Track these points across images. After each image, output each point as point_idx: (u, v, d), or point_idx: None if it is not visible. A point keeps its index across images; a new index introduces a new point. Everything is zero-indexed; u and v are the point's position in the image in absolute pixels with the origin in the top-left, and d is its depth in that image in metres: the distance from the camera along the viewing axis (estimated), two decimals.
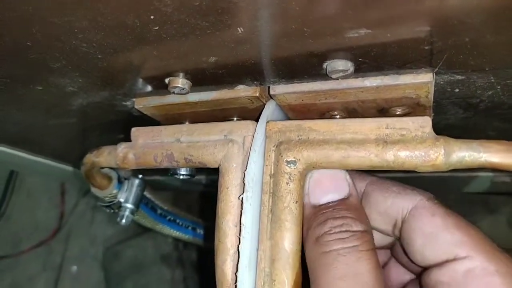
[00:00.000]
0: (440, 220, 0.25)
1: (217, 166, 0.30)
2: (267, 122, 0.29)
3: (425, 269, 0.26)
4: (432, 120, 0.31)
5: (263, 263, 0.26)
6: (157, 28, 0.22)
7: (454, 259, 0.24)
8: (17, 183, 1.06)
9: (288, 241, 0.26)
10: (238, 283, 0.26)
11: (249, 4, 0.20)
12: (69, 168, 0.71)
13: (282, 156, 0.27)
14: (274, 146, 0.28)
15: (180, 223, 0.48)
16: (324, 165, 0.27)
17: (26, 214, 1.04)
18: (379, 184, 0.28)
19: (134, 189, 0.40)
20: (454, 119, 0.33)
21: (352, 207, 0.26)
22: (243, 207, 0.27)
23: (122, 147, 0.33)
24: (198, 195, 0.83)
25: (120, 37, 0.23)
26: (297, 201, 0.27)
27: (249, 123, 0.30)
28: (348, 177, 0.27)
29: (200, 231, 0.49)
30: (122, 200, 0.40)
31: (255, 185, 0.28)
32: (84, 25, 0.22)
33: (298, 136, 0.28)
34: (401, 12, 0.20)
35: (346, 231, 0.24)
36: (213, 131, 0.31)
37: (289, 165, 0.27)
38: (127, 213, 0.40)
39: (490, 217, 0.74)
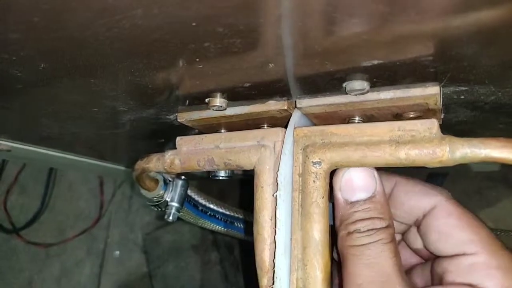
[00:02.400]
0: (455, 220, 0.29)
1: (252, 168, 0.34)
2: (294, 128, 0.33)
3: (437, 257, 0.30)
4: (444, 118, 0.35)
5: (296, 251, 0.31)
6: (201, 66, 0.26)
7: (463, 255, 0.28)
8: (58, 177, 1.14)
9: (317, 231, 0.30)
10: (276, 268, 0.31)
11: (276, 49, 0.24)
12: (107, 164, 0.77)
13: (308, 158, 0.31)
14: (301, 149, 0.32)
15: (219, 217, 0.53)
16: (346, 165, 0.31)
17: (69, 205, 1.12)
18: (404, 185, 0.32)
19: (178, 189, 0.45)
20: (463, 116, 0.37)
21: (378, 205, 0.29)
22: (277, 203, 0.31)
23: (169, 154, 0.37)
24: (227, 182, 0.88)
25: (169, 73, 0.28)
26: (323, 197, 0.31)
27: (279, 130, 0.34)
28: (375, 174, 0.31)
29: (239, 224, 0.54)
30: (168, 199, 0.45)
31: (286, 184, 0.32)
32: (140, 67, 0.27)
33: (321, 140, 0.32)
34: (407, 48, 0.23)
35: (372, 229, 0.28)
36: (247, 138, 0.35)
37: (315, 166, 0.31)
38: (173, 211, 0.45)
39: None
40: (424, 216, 0.31)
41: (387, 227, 0.29)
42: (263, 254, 0.32)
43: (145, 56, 0.25)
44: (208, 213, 0.51)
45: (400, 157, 0.28)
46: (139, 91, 0.32)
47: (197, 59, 0.26)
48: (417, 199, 0.31)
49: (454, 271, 0.28)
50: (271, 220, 0.32)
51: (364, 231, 0.28)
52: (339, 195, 0.31)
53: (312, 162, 0.31)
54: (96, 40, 0.23)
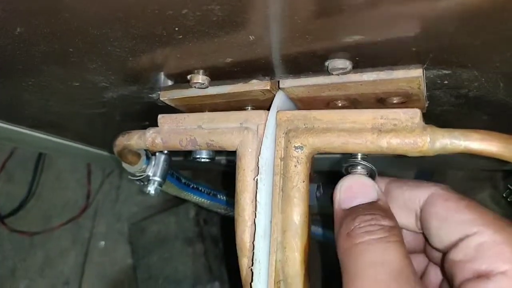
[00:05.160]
0: (453, 204, 0.27)
1: (234, 150, 0.34)
2: (277, 111, 0.33)
3: (445, 254, 0.27)
4: (428, 108, 0.35)
5: (275, 233, 0.31)
6: (180, 37, 0.26)
7: (466, 236, 0.25)
8: (46, 164, 1.13)
9: (297, 214, 0.30)
10: (255, 250, 0.31)
11: (258, 18, 0.23)
12: (95, 150, 0.76)
13: (290, 142, 0.31)
14: (283, 133, 0.32)
15: (202, 190, 0.53)
16: (327, 150, 0.30)
17: (56, 193, 1.12)
18: (397, 181, 0.31)
19: (161, 164, 0.45)
20: (448, 105, 0.37)
21: (381, 208, 0.28)
22: (258, 187, 0.31)
23: (150, 132, 0.37)
24: (216, 173, 0.87)
25: (149, 44, 0.27)
26: (304, 181, 0.31)
27: (262, 113, 0.33)
28: (377, 187, 0.29)
29: (222, 197, 0.54)
30: (150, 174, 0.44)
31: (267, 167, 0.32)
32: (118, 35, 0.26)
33: (304, 125, 0.31)
34: (387, 23, 0.23)
35: (375, 224, 0.26)
36: (230, 119, 0.34)
37: (296, 150, 0.31)
38: (155, 185, 0.45)
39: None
40: (421, 209, 0.29)
41: (392, 226, 0.26)
42: (244, 235, 0.32)
43: (122, 22, 0.25)
44: (191, 186, 0.51)
45: (381, 145, 0.29)
46: (119, 64, 0.31)
47: (176, 28, 0.25)
48: (412, 191, 0.29)
49: (462, 260, 0.25)
50: (252, 202, 0.32)
51: (365, 226, 0.26)
52: (336, 205, 0.29)
53: (294, 146, 0.31)
54: (72, 1, 0.22)
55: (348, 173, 0.31)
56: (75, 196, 1.09)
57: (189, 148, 0.35)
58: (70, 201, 1.09)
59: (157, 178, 0.44)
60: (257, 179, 0.32)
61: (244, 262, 0.32)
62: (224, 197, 0.55)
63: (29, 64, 0.32)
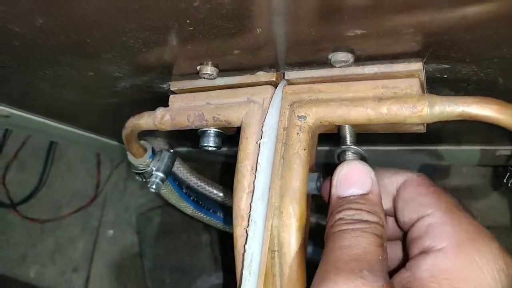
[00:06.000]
0: (420, 189, 0.29)
1: (239, 124, 0.35)
2: (284, 86, 0.34)
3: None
4: None
5: (273, 199, 0.31)
6: (191, 28, 0.27)
7: (422, 217, 0.28)
8: (57, 154, 1.15)
9: (296, 179, 0.31)
10: (252, 212, 0.31)
11: (264, 11, 0.25)
12: (105, 139, 0.78)
13: (294, 112, 0.32)
14: (288, 105, 0.33)
15: (203, 205, 0.53)
16: (330, 120, 0.31)
17: (66, 182, 1.14)
18: (381, 169, 0.33)
19: (165, 160, 0.46)
20: None
21: (370, 202, 0.29)
22: (260, 150, 0.32)
23: (160, 110, 0.38)
24: (221, 167, 0.89)
25: (161, 35, 0.29)
26: (305, 149, 0.31)
27: (268, 87, 0.35)
28: (372, 174, 0.30)
29: (220, 215, 0.55)
30: (154, 168, 0.46)
31: (271, 133, 0.33)
32: (133, 27, 0.28)
33: (309, 97, 0.33)
34: (388, 18, 0.24)
35: (357, 219, 0.28)
36: (238, 95, 0.36)
37: (300, 119, 0.32)
38: (157, 180, 0.46)
39: None
40: (396, 191, 0.31)
41: (373, 222, 0.28)
42: (241, 202, 0.32)
43: (137, 14, 0.26)
44: (191, 198, 0.52)
45: (382, 111, 0.29)
46: (133, 55, 0.33)
47: (188, 21, 0.26)
48: (391, 177, 0.31)
49: (416, 238, 0.28)
50: (252, 170, 0.33)
51: (348, 220, 0.28)
52: (333, 190, 0.31)
53: (298, 116, 0.32)
54: None
55: (340, 159, 0.32)
56: (84, 185, 1.11)
57: (196, 124, 0.36)
58: (80, 190, 1.11)
59: (160, 174, 0.46)
60: (260, 143, 0.32)
61: (238, 231, 0.32)
62: (222, 215, 0.55)
63: (47, 53, 0.34)
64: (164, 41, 0.30)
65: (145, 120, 0.38)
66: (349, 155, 0.32)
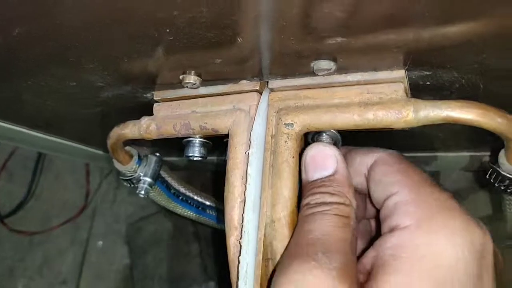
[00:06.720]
0: (389, 168, 0.29)
1: (227, 132, 0.34)
2: (270, 92, 0.34)
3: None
4: None
5: (265, 208, 0.31)
6: (172, 38, 0.27)
7: (389, 196, 0.28)
8: (45, 165, 1.14)
9: (286, 188, 0.31)
10: (244, 223, 0.31)
11: (245, 21, 0.25)
12: (93, 150, 0.77)
13: (281, 120, 0.32)
14: (275, 112, 0.33)
15: (191, 203, 0.53)
16: (317, 126, 0.31)
17: (55, 193, 1.13)
18: (354, 149, 0.33)
19: (152, 165, 0.46)
20: None
21: (335, 183, 0.30)
22: (249, 160, 0.32)
23: (145, 120, 0.38)
24: (211, 175, 0.88)
25: (142, 45, 0.29)
26: (293, 156, 0.31)
27: (255, 95, 0.34)
28: (337, 153, 0.31)
29: (211, 212, 0.54)
30: (141, 174, 0.45)
31: (259, 142, 0.32)
32: (112, 37, 0.28)
33: (295, 103, 0.33)
34: (367, 26, 0.24)
35: (320, 203, 0.28)
36: (223, 102, 0.35)
37: (287, 127, 0.32)
38: (145, 185, 0.45)
39: None
40: (368, 171, 0.31)
41: (337, 203, 0.28)
42: (233, 212, 0.32)
43: (116, 25, 0.26)
44: (180, 197, 0.51)
45: (368, 117, 0.30)
46: (114, 64, 0.32)
47: (168, 30, 0.26)
48: (362, 156, 0.32)
49: (383, 217, 0.28)
50: (242, 179, 0.33)
51: (312, 204, 0.28)
52: (303, 176, 0.31)
53: (285, 123, 0.32)
54: (64, 4, 0.23)
55: (313, 141, 0.33)
56: (73, 196, 1.10)
57: (183, 132, 0.36)
58: (69, 201, 1.10)
59: (148, 179, 0.45)
60: (248, 154, 0.32)
61: (231, 240, 0.32)
62: (213, 213, 0.55)
63: (27, 64, 0.33)
64: (145, 51, 0.30)
65: (130, 130, 0.38)
66: (323, 137, 0.32)
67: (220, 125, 0.35)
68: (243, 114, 0.34)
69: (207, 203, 0.54)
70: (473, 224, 0.25)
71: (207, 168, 0.83)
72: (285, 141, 0.32)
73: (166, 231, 0.91)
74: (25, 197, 1.13)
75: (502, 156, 0.31)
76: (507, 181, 0.32)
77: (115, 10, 0.24)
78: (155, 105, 0.38)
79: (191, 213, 0.53)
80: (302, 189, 0.31)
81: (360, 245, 0.36)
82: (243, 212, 0.31)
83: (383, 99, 0.30)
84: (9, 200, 1.14)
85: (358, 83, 0.31)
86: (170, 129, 0.36)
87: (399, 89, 0.30)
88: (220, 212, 0.55)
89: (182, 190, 0.52)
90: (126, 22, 0.25)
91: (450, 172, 0.77)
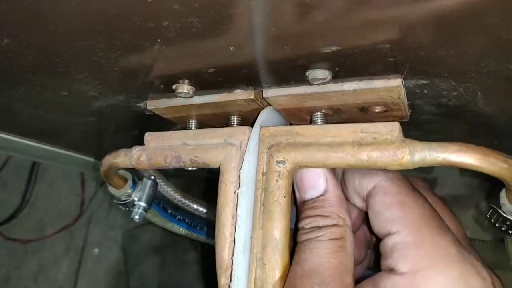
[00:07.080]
0: (388, 199, 0.28)
1: (218, 166, 0.34)
2: (261, 127, 0.33)
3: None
4: (412, 117, 0.36)
5: (255, 249, 0.30)
6: (163, 48, 0.27)
7: (389, 234, 0.27)
8: (40, 173, 1.13)
9: (277, 230, 0.30)
10: (234, 266, 0.30)
11: (236, 30, 0.24)
12: (87, 158, 0.76)
13: (273, 157, 0.31)
14: (266, 149, 0.32)
15: (189, 223, 0.52)
16: (309, 165, 0.31)
17: (49, 201, 1.12)
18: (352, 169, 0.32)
19: (146, 189, 0.45)
20: (430, 114, 0.37)
21: (326, 203, 0.30)
22: (239, 201, 0.31)
23: (136, 150, 0.37)
24: (211, 182, 0.88)
25: (133, 55, 0.28)
26: (285, 196, 0.31)
27: (246, 129, 0.34)
28: (325, 172, 0.31)
29: (209, 231, 0.54)
30: (136, 198, 0.44)
31: (249, 181, 0.32)
32: (103, 47, 0.27)
33: (286, 140, 0.32)
34: (362, 33, 0.24)
35: (313, 227, 0.29)
36: (215, 136, 0.35)
37: (278, 165, 0.31)
38: (140, 210, 0.44)
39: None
40: (367, 196, 0.30)
41: (330, 226, 0.28)
42: (223, 252, 0.31)
43: (106, 34, 0.25)
44: (177, 217, 0.51)
45: (361, 158, 0.29)
46: (106, 74, 0.32)
47: (158, 40, 0.26)
48: (361, 179, 0.31)
49: (382, 254, 0.28)
50: (232, 218, 0.32)
51: (307, 229, 0.29)
52: (297, 196, 0.32)
53: (276, 161, 0.31)
54: (54, 13, 0.23)
55: None
56: (68, 204, 1.09)
57: (173, 165, 0.35)
58: (64, 209, 1.09)
59: (142, 203, 0.45)
60: (238, 193, 0.31)
61: (222, 281, 0.31)
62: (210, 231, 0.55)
63: (17, 74, 0.32)
64: (137, 61, 0.29)
65: (122, 159, 0.38)
66: None
67: (211, 159, 0.34)
68: (234, 149, 0.33)
69: (203, 214, 0.53)
70: (471, 272, 0.25)
71: (205, 175, 0.82)
72: (276, 180, 0.31)
73: (163, 239, 0.90)
74: (19, 205, 1.12)
75: (503, 197, 0.30)
76: (508, 222, 0.31)
77: (106, 18, 0.23)
78: (146, 134, 0.37)
79: (189, 232, 0.52)
80: (297, 207, 0.32)
81: (359, 255, 0.36)
82: (233, 255, 0.30)
83: (377, 139, 0.29)
84: (3, 208, 1.13)
85: (354, 92, 0.31)
86: (161, 161, 0.36)
87: (395, 129, 0.29)
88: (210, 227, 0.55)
89: (178, 202, 0.51)
90: (116, 31, 0.25)
91: (447, 178, 0.77)
